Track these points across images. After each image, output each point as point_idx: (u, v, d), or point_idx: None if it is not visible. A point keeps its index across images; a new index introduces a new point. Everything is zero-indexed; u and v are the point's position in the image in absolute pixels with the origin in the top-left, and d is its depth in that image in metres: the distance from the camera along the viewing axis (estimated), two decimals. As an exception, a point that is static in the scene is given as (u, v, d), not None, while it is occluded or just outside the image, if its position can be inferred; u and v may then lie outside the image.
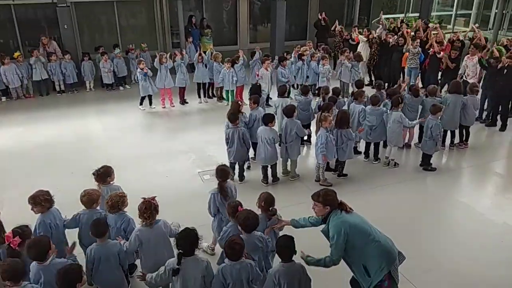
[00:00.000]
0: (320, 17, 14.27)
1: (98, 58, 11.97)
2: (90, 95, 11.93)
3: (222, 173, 4.80)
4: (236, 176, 6.85)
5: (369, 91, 8.60)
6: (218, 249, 4.68)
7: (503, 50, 10.06)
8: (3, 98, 11.23)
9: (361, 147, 7.99)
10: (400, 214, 6.18)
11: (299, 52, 11.02)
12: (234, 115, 6.65)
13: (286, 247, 3.64)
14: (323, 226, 3.91)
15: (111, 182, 4.80)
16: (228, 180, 4.86)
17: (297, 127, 6.79)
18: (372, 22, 13.79)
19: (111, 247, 3.98)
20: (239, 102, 7.52)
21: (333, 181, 7.00)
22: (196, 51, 12.73)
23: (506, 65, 8.62)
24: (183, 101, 10.93)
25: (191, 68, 11.04)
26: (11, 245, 3.54)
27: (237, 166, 6.96)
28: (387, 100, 7.65)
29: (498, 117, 9.15)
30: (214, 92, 11.33)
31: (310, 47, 11.68)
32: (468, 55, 9.92)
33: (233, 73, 10.09)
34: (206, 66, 10.75)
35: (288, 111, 6.79)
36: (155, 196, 4.07)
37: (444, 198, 6.67)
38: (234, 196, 4.87)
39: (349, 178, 7.16)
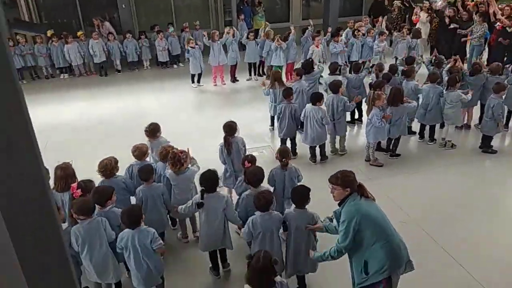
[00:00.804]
0: None
1: (154, 36, 12.34)
2: (147, 72, 12.40)
3: (228, 128, 5.33)
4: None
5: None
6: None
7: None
8: (66, 75, 12.00)
9: (416, 127, 7.69)
10: (454, 198, 5.93)
11: (354, 28, 10.65)
12: (287, 91, 6.73)
13: (301, 194, 4.00)
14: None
15: (160, 137, 5.55)
16: (236, 135, 5.37)
17: (344, 103, 6.76)
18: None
19: (156, 188, 4.66)
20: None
21: (384, 161, 6.84)
22: (248, 28, 12.79)
23: None
24: (234, 79, 11.04)
25: (241, 46, 11.08)
26: (73, 195, 4.08)
27: (289, 142, 7.00)
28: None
29: None
30: (265, 71, 11.32)
31: (366, 23, 11.25)
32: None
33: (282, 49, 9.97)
34: (257, 44, 10.73)
35: (334, 87, 6.77)
36: (184, 150, 4.73)
37: (503, 182, 6.32)
38: (241, 150, 5.40)
39: (401, 159, 6.95)
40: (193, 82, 10.78)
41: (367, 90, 7.45)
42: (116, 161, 4.76)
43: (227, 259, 4.69)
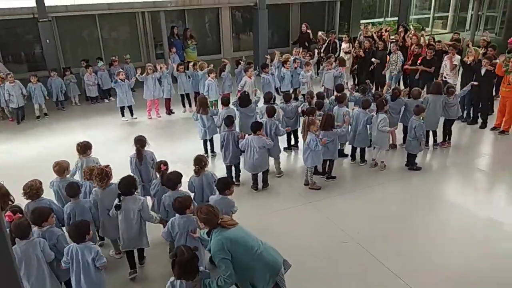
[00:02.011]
0: (303, 29, 14.45)
1: (82, 71, 11.91)
2: (76, 109, 11.83)
3: (139, 142, 5.97)
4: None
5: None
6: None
7: (479, 50, 10.34)
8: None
9: (347, 149, 8.11)
10: (390, 213, 6.31)
11: (283, 60, 11.09)
12: (229, 119, 6.94)
13: (223, 183, 4.85)
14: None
15: (90, 155, 5.93)
16: (146, 148, 6.02)
17: (276, 127, 7.11)
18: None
19: (83, 204, 4.93)
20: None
21: (322, 184, 7.10)
22: (181, 61, 12.85)
23: (482, 64, 8.91)
24: (170, 112, 10.95)
25: (174, 78, 11.05)
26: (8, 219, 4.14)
27: (233, 168, 7.19)
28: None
29: (479, 115, 9.39)
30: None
31: (297, 53, 11.77)
32: (447, 55, 10.17)
33: (217, 83, 10.14)
34: (189, 77, 10.79)
35: (269, 111, 7.16)
36: (108, 165, 5.12)
37: (430, 196, 6.82)
38: (149, 163, 6.01)
39: (337, 180, 7.27)
40: (123, 115, 10.51)
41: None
42: (41, 182, 4.84)
43: (144, 256, 5.23)
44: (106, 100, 12.29)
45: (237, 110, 7.94)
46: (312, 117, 6.74)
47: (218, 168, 7.88)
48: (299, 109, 7.97)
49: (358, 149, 7.83)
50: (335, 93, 8.49)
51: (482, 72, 8.93)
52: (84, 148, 5.91)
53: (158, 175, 5.43)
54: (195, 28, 14.97)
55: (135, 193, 4.90)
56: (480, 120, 9.38)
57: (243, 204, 6.39)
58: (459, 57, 10.05)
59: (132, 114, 10.61)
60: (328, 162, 7.18)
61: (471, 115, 9.54)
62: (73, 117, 11.09)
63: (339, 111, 7.59)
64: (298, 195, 6.88)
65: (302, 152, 6.99)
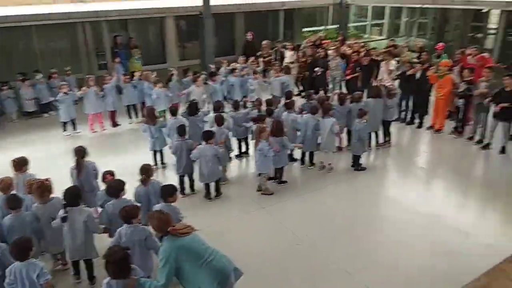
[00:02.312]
0: (248, 38, 14.67)
1: (19, 85, 11.29)
2: (14, 126, 11.13)
3: (78, 152, 5.98)
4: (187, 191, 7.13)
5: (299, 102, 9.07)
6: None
7: (412, 54, 11.05)
8: None
9: (296, 154, 8.33)
10: (338, 213, 6.55)
11: (231, 68, 11.19)
12: (181, 128, 6.93)
13: (167, 190, 4.97)
14: None
15: (26, 171, 5.74)
16: (85, 159, 6.02)
17: (226, 135, 7.20)
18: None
19: (24, 217, 4.87)
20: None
21: (274, 189, 7.23)
22: (125, 71, 12.56)
23: (418, 69, 9.55)
24: (115, 124, 10.64)
25: (118, 90, 10.78)
26: None
27: (186, 179, 7.16)
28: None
29: (416, 116, 10.01)
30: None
31: (242, 62, 11.93)
32: (384, 61, 10.78)
33: (166, 92, 10.01)
34: (135, 87, 10.58)
35: (218, 120, 7.20)
36: (48, 178, 5.07)
37: (376, 194, 7.19)
38: (92, 174, 6.04)
39: (288, 185, 7.44)
40: (65, 130, 10.09)
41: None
42: None
43: (93, 269, 5.05)
44: (45, 115, 11.69)
45: (186, 119, 7.90)
46: (263, 125, 6.86)
47: (170, 179, 7.79)
48: (249, 117, 8.07)
49: (307, 153, 8.06)
50: (284, 100, 8.69)
51: (417, 76, 9.56)
52: (19, 164, 5.72)
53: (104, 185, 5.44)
54: (139, 38, 14.71)
55: (81, 204, 4.86)
56: (417, 121, 10.00)
57: (198, 213, 6.43)
58: (394, 62, 10.66)
59: (75, 128, 10.20)
60: (279, 167, 7.32)
61: (409, 116, 10.14)
62: (11, 134, 10.45)
63: (287, 117, 7.77)
64: (251, 201, 6.96)
65: (255, 159, 7.07)
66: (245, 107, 8.63)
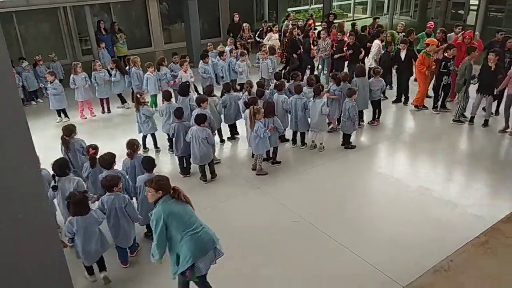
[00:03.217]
0: (235, 19, 14.55)
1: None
2: None
3: (64, 130, 6.38)
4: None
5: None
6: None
7: (396, 34, 11.18)
8: None
9: (288, 134, 8.49)
10: (332, 190, 6.78)
11: (219, 50, 11.15)
12: (178, 111, 7.01)
13: (148, 162, 5.41)
14: None
15: None
16: (73, 135, 6.40)
17: (208, 134, 6.78)
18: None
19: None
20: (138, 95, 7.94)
21: (268, 169, 7.40)
22: (111, 56, 12.43)
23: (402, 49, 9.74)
24: (108, 109, 10.59)
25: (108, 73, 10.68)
26: None
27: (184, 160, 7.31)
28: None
29: (402, 94, 10.24)
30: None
31: (231, 44, 11.91)
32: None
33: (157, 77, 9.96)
34: (125, 73, 10.49)
35: (198, 119, 6.72)
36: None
37: (367, 170, 7.44)
38: (79, 150, 6.35)
39: (282, 165, 7.62)
40: (59, 116, 10.06)
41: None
42: None
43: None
44: (33, 103, 11.56)
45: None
46: (257, 106, 6.97)
47: (163, 163, 7.91)
48: (241, 100, 8.16)
49: (298, 134, 8.22)
50: (274, 81, 8.79)
51: (402, 56, 9.75)
52: None
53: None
54: (122, 22, 14.54)
55: (70, 174, 5.27)
56: (403, 98, 10.24)
57: (195, 195, 6.46)
58: (378, 42, 10.78)
59: (66, 115, 10.14)
60: (272, 148, 7.48)
61: (396, 95, 10.37)
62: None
63: (278, 99, 7.88)
64: (246, 182, 7.12)
65: (251, 141, 7.15)
66: (235, 89, 8.70)
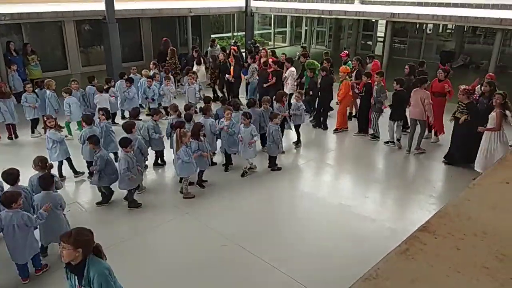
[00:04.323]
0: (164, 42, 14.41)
1: None
2: None
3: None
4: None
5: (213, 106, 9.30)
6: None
7: (316, 62, 11.91)
8: None
9: (215, 158, 8.52)
10: (260, 211, 6.91)
11: (144, 75, 10.97)
12: (92, 138, 6.66)
13: (45, 179, 5.27)
14: None
15: None
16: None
17: (139, 143, 7.08)
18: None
19: None
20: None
21: (197, 192, 7.34)
22: (23, 79, 11.62)
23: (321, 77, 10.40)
24: (14, 135, 9.74)
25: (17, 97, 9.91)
26: None
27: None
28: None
29: (321, 119, 10.84)
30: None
31: (153, 67, 11.78)
32: (285, 69, 11.50)
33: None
34: (37, 96, 9.82)
35: (123, 142, 6.63)
36: None
37: (292, 190, 7.72)
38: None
39: (211, 187, 7.60)
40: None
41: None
42: None
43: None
44: None
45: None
46: (183, 129, 6.94)
47: (83, 191, 7.49)
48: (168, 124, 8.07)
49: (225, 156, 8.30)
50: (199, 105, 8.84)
51: (323, 83, 10.39)
52: None
53: None
54: (36, 43, 13.66)
55: None
56: (323, 123, 10.84)
57: (123, 224, 6.34)
58: (293, 69, 11.39)
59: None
60: (198, 170, 7.45)
61: (315, 118, 10.95)
62: None
63: (205, 122, 7.91)
64: (173, 207, 6.98)
65: (176, 164, 7.09)
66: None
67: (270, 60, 11.79)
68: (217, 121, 8.22)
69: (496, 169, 2.04)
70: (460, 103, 8.12)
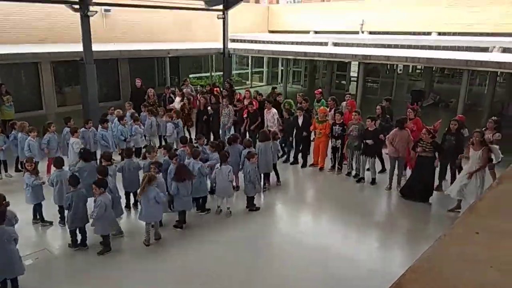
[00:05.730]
0: (137, 84, 14.40)
1: None
2: None
3: None
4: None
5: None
6: None
7: (293, 103, 12.13)
8: None
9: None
10: (238, 253, 6.76)
11: (117, 115, 10.87)
12: (73, 178, 6.61)
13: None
14: None
15: None
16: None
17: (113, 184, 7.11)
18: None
19: None
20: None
21: (173, 236, 7.15)
22: (-6, 120, 11.36)
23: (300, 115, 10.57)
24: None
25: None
26: None
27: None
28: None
29: (299, 156, 10.92)
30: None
31: (129, 108, 11.73)
32: (266, 110, 11.63)
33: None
34: (7, 138, 9.58)
35: (101, 172, 6.87)
36: None
37: (270, 230, 7.65)
38: None
39: (190, 230, 7.43)
40: None
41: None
42: None
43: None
44: None
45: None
46: (152, 173, 6.84)
47: (53, 237, 7.20)
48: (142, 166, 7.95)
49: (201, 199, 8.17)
50: (180, 144, 8.81)
51: (300, 122, 10.54)
52: None
53: None
54: (10, 83, 13.48)
55: None
56: (301, 160, 10.91)
57: (90, 275, 6.08)
58: (275, 110, 11.56)
59: None
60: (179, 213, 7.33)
61: (294, 157, 11.02)
62: None
63: (195, 166, 7.78)
64: (149, 253, 6.75)
65: (141, 208, 6.96)
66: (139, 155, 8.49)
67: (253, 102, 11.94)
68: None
69: (468, 217, 2.06)
70: (422, 141, 8.39)
